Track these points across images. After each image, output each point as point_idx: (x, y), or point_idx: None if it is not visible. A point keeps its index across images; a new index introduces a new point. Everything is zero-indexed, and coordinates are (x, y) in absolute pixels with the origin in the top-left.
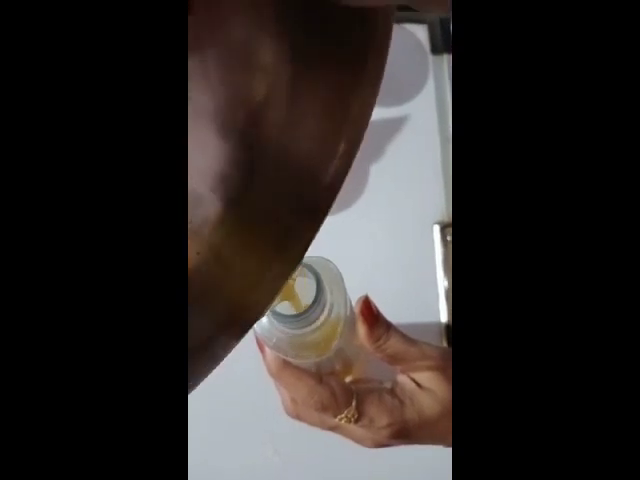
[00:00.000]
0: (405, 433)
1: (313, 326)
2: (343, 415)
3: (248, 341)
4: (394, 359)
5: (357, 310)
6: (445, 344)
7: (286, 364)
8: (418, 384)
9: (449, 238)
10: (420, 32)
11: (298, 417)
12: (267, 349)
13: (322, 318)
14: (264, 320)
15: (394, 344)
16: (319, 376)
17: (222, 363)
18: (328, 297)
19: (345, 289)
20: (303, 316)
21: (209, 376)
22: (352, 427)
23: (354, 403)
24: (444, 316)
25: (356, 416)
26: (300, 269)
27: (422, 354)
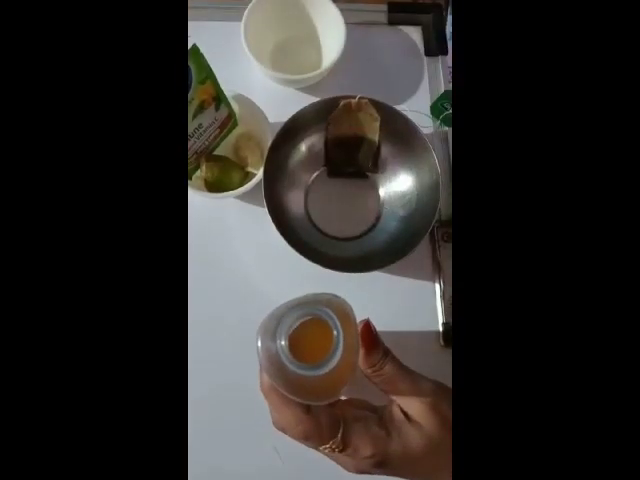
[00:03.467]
0: (387, 464)
1: (322, 372)
2: (327, 445)
3: (250, 345)
4: (387, 386)
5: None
6: (442, 343)
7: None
8: (407, 416)
9: (445, 237)
10: (415, 34)
11: (284, 432)
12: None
13: (332, 365)
14: (277, 359)
15: (389, 371)
16: (307, 405)
17: (222, 364)
18: (341, 343)
19: (356, 327)
20: (317, 365)
21: (209, 376)
22: (336, 453)
23: (340, 434)
24: (440, 315)
25: (341, 447)
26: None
27: (415, 386)
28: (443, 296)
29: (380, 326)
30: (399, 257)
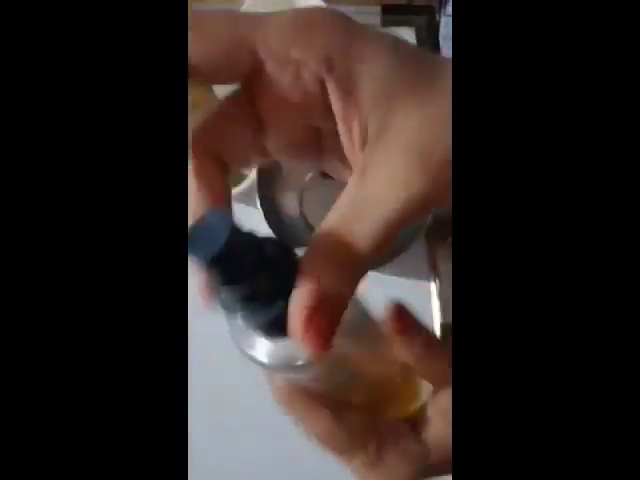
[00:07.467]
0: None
1: None
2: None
3: None
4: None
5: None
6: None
7: (299, 390)
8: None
9: (440, 236)
10: (408, 35)
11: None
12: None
13: None
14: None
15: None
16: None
17: (222, 365)
18: None
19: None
20: None
21: (209, 377)
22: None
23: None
24: (437, 315)
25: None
26: None
27: None
28: (439, 296)
29: None
30: (394, 256)
